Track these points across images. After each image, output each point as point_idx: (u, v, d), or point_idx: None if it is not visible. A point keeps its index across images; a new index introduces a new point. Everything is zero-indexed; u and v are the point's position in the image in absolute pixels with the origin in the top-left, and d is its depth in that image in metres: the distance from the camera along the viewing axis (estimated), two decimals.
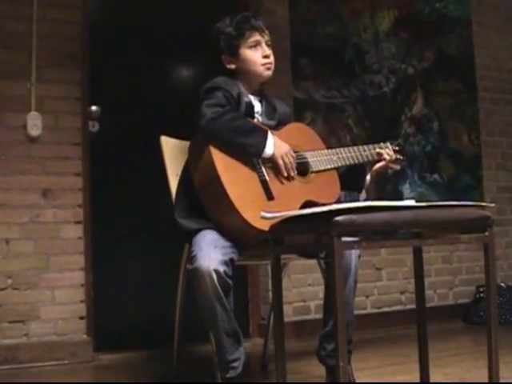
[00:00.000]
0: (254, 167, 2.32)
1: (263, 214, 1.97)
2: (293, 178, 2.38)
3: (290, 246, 2.17)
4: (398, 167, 2.62)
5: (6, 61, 3.33)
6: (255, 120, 2.46)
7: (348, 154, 2.52)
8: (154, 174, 2.77)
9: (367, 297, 4.13)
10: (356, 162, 2.53)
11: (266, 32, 2.52)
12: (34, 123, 3.34)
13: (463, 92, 4.69)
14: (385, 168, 2.58)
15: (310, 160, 2.45)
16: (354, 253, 2.35)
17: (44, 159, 3.36)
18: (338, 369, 1.69)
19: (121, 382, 2.88)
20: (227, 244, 2.21)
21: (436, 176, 4.51)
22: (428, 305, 2.32)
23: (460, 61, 4.70)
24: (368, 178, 2.57)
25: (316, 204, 2.32)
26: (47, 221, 3.34)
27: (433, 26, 4.63)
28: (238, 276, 2.28)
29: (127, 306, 3.58)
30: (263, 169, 2.33)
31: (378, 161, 2.56)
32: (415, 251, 2.15)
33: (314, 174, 2.45)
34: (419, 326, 2.13)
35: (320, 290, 3.59)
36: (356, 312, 2.51)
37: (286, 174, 2.35)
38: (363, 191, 2.59)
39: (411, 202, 1.88)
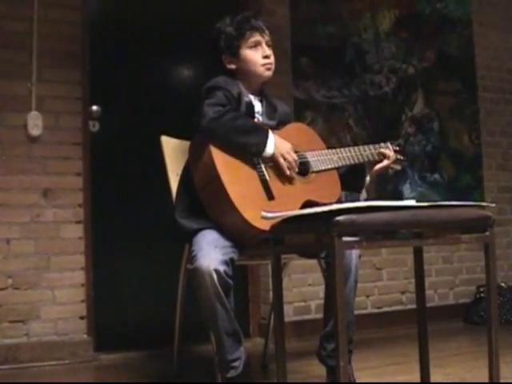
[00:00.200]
0: (255, 167, 2.32)
1: (264, 213, 1.97)
2: (293, 178, 2.38)
3: (291, 246, 2.17)
4: (398, 167, 2.63)
5: (7, 60, 3.33)
6: (255, 120, 2.46)
7: (348, 154, 2.51)
8: (155, 173, 2.77)
9: (368, 297, 4.13)
10: (356, 161, 2.53)
11: (267, 32, 2.52)
12: (35, 123, 3.34)
13: (464, 92, 4.69)
14: (385, 168, 2.58)
15: (310, 160, 2.45)
16: (355, 253, 2.35)
17: (44, 159, 3.36)
18: (339, 369, 1.69)
19: (121, 382, 2.88)
20: (227, 244, 2.21)
21: (436, 176, 4.51)
22: (428, 305, 2.31)
23: (460, 61, 4.69)
24: (368, 178, 2.57)
25: (316, 204, 2.32)
26: (48, 220, 3.34)
27: (433, 25, 4.63)
28: (238, 276, 2.28)
29: (128, 306, 3.59)
30: (263, 168, 2.33)
31: (379, 161, 2.56)
32: (416, 251, 2.15)
33: (314, 174, 2.45)
34: (420, 325, 2.13)
35: (320, 290, 3.59)
36: (356, 312, 2.51)
37: (288, 172, 2.35)
38: (363, 191, 2.59)
39: (412, 202, 1.88)
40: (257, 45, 2.48)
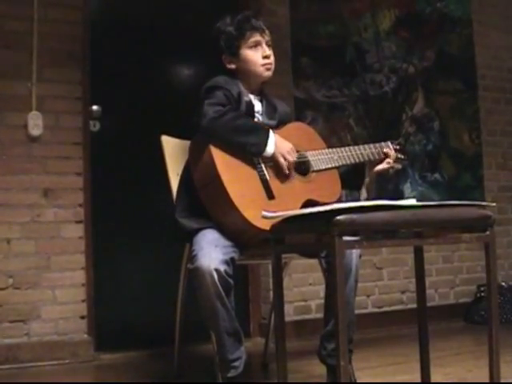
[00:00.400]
0: (255, 166, 2.32)
1: (264, 213, 1.97)
2: (293, 177, 2.38)
3: (291, 246, 2.17)
4: (399, 166, 2.62)
5: (7, 60, 3.33)
6: (255, 119, 2.46)
7: (349, 153, 2.51)
8: (155, 173, 2.78)
9: (368, 296, 4.13)
10: (357, 161, 2.53)
11: (267, 32, 2.53)
12: (35, 123, 3.34)
13: (464, 91, 4.68)
14: (386, 168, 2.57)
15: (310, 159, 2.45)
16: (355, 252, 2.35)
17: (45, 159, 3.36)
18: (339, 368, 1.69)
19: (122, 382, 2.88)
20: (228, 243, 2.22)
21: (437, 175, 4.51)
22: (429, 304, 2.31)
23: (461, 60, 4.69)
24: (367, 177, 2.57)
25: (317, 203, 2.33)
26: (48, 220, 3.34)
27: (433, 25, 4.62)
28: (238, 275, 2.28)
29: (128, 306, 3.58)
30: (264, 168, 2.33)
31: (380, 160, 2.56)
32: (416, 250, 2.15)
33: (314, 173, 2.45)
34: (420, 325, 2.13)
35: (321, 290, 3.59)
36: (357, 311, 2.51)
37: (287, 172, 2.35)
38: (363, 190, 2.59)
39: (412, 202, 1.88)
40: (257, 45, 2.48)
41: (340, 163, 2.49)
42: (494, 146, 4.77)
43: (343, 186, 2.54)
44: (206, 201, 2.29)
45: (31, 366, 3.19)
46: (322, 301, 2.68)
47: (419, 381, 2.15)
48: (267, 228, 2.04)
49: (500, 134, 4.80)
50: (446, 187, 4.52)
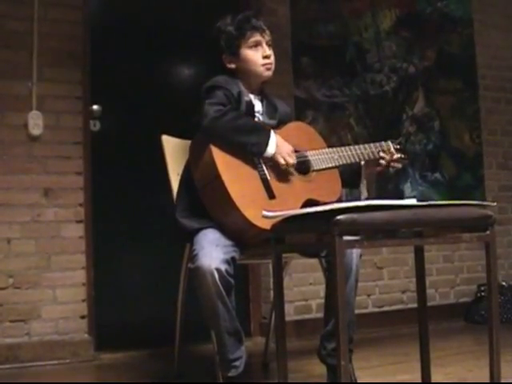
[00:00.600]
0: (255, 166, 2.32)
1: (265, 213, 1.97)
2: (293, 177, 2.38)
3: (292, 245, 2.17)
4: (399, 166, 2.62)
5: (7, 60, 3.33)
6: (255, 119, 2.46)
7: (349, 153, 2.51)
8: (155, 173, 2.77)
9: (368, 296, 4.13)
10: (357, 160, 2.52)
11: (267, 32, 2.52)
12: (35, 122, 3.34)
13: (464, 91, 4.68)
14: (387, 167, 2.56)
15: (310, 159, 2.45)
16: (355, 252, 2.35)
17: (45, 158, 3.36)
18: (339, 368, 1.69)
19: (122, 381, 2.88)
20: (228, 243, 2.21)
21: (437, 175, 4.51)
22: (429, 304, 2.31)
23: (461, 60, 4.69)
24: (363, 177, 2.58)
25: (317, 203, 2.33)
26: (48, 220, 3.34)
27: (434, 24, 4.62)
28: (239, 275, 2.28)
29: (128, 305, 3.59)
30: (264, 167, 2.33)
31: (380, 159, 2.55)
32: (416, 250, 2.15)
33: (315, 173, 2.45)
34: (420, 324, 2.13)
35: (321, 289, 3.59)
36: (357, 311, 2.51)
37: (287, 172, 2.35)
38: (364, 190, 2.59)
39: (412, 201, 1.88)
40: (257, 45, 2.48)
41: (340, 162, 2.49)
42: (495, 145, 4.77)
43: (343, 186, 2.54)
44: (207, 200, 2.29)
45: (32, 366, 3.19)
46: (323, 300, 2.68)
47: (419, 380, 2.15)
48: (268, 227, 2.04)
49: (500, 134, 4.80)
50: (446, 187, 4.52)
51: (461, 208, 1.94)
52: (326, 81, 4.16)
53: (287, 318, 2.35)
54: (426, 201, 1.89)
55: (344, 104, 4.22)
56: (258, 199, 2.26)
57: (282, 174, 2.36)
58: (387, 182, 4.24)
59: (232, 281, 2.16)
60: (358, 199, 2.49)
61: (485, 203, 2.16)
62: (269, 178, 2.33)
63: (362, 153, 2.53)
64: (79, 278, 3.38)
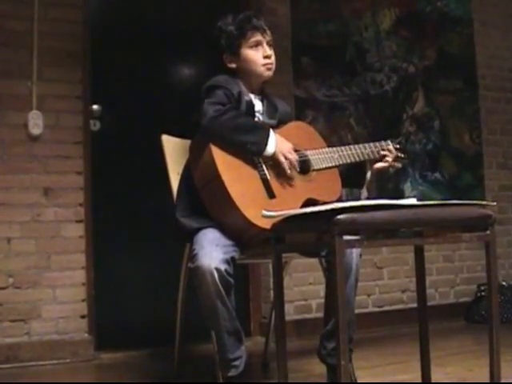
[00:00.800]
0: (255, 166, 2.32)
1: (264, 212, 1.97)
2: (294, 176, 2.38)
3: (292, 245, 2.17)
4: (399, 165, 2.62)
5: (7, 59, 3.33)
6: (256, 119, 2.46)
7: (349, 152, 2.51)
8: (155, 172, 2.77)
9: (368, 295, 4.13)
10: (357, 159, 2.52)
11: (268, 32, 2.52)
12: (35, 122, 3.34)
13: (464, 90, 4.68)
14: (387, 167, 2.57)
15: (311, 158, 2.45)
16: (355, 251, 2.35)
17: (45, 158, 3.36)
18: (339, 367, 1.69)
19: (122, 381, 2.88)
20: (228, 242, 2.21)
21: (437, 175, 4.51)
22: (429, 303, 2.31)
23: (461, 59, 4.69)
24: (368, 174, 2.57)
25: (317, 202, 2.33)
26: (48, 220, 3.34)
27: (434, 24, 4.62)
28: (239, 275, 2.28)
29: (128, 305, 3.59)
30: (264, 167, 2.33)
31: (380, 159, 2.55)
32: (416, 250, 2.15)
33: (315, 172, 2.44)
34: (420, 324, 2.13)
35: (321, 289, 3.59)
36: (357, 311, 2.51)
37: (288, 171, 2.35)
38: (364, 189, 2.59)
39: (412, 201, 1.88)
40: (258, 44, 2.48)
41: (340, 162, 2.49)
42: (495, 145, 4.76)
43: (343, 185, 2.54)
44: (207, 200, 2.29)
45: (32, 366, 3.19)
46: (323, 300, 2.68)
47: (419, 380, 2.15)
48: (268, 227, 2.04)
49: (500, 134, 4.80)
50: (446, 186, 4.52)
51: (461, 208, 1.94)
52: (325, 80, 4.16)
53: (287, 318, 2.35)
54: (426, 200, 1.89)
55: (344, 104, 4.22)
56: (258, 199, 2.26)
57: (282, 173, 2.36)
58: (387, 182, 4.25)
59: (232, 280, 2.16)
60: (359, 199, 2.49)
61: (485, 203, 2.17)
62: (269, 177, 2.33)
63: (362, 152, 2.53)
64: (79, 277, 3.38)
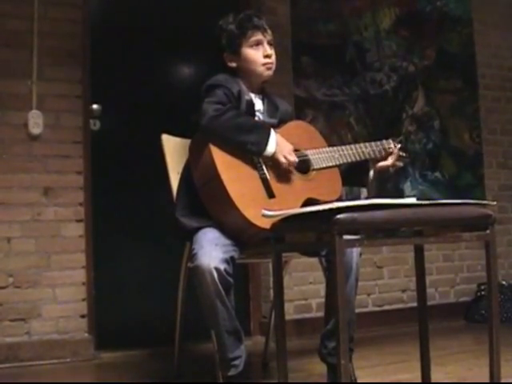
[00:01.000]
0: (255, 165, 2.32)
1: (264, 212, 1.97)
2: (293, 176, 2.38)
3: (291, 244, 2.17)
4: (400, 164, 2.62)
5: (7, 59, 3.33)
6: (256, 118, 2.46)
7: (349, 152, 2.51)
8: (155, 172, 2.77)
9: (368, 295, 4.13)
10: (358, 159, 2.52)
11: (269, 31, 2.52)
12: (35, 121, 3.34)
13: (464, 90, 4.68)
14: (388, 166, 2.56)
15: (311, 157, 2.44)
16: (355, 251, 2.35)
17: (45, 157, 3.36)
18: (340, 367, 1.69)
19: (122, 381, 2.88)
20: (228, 242, 2.21)
21: (437, 174, 4.51)
22: (429, 303, 2.31)
23: (461, 59, 4.69)
24: (371, 173, 2.57)
25: (317, 202, 2.33)
26: (48, 219, 3.34)
27: (434, 24, 4.62)
28: (239, 274, 2.28)
29: (128, 305, 3.58)
30: (264, 167, 2.33)
31: (381, 158, 2.55)
32: (416, 249, 2.15)
33: (315, 172, 2.44)
34: (420, 324, 2.13)
35: (321, 288, 3.59)
36: (357, 310, 2.51)
37: (288, 171, 2.35)
38: (364, 189, 2.59)
39: (412, 200, 1.88)
40: (258, 44, 2.48)
41: (341, 161, 2.49)
42: (495, 144, 4.77)
43: (344, 184, 2.54)
44: (206, 200, 2.29)
45: (32, 365, 3.19)
46: (323, 299, 2.68)
47: (420, 380, 2.15)
48: (267, 227, 2.03)
49: (500, 133, 4.80)
50: (446, 186, 4.52)
51: (461, 207, 1.94)
52: (326, 80, 4.16)
53: (287, 317, 2.35)
54: (426, 200, 1.89)
55: (344, 103, 4.22)
56: (258, 198, 2.26)
57: (282, 173, 2.35)
58: (387, 181, 4.24)
59: (231, 280, 2.16)
60: (358, 198, 2.49)
61: (485, 202, 2.17)
62: (268, 177, 2.32)
63: (362, 151, 2.53)
64: (79, 277, 3.38)
